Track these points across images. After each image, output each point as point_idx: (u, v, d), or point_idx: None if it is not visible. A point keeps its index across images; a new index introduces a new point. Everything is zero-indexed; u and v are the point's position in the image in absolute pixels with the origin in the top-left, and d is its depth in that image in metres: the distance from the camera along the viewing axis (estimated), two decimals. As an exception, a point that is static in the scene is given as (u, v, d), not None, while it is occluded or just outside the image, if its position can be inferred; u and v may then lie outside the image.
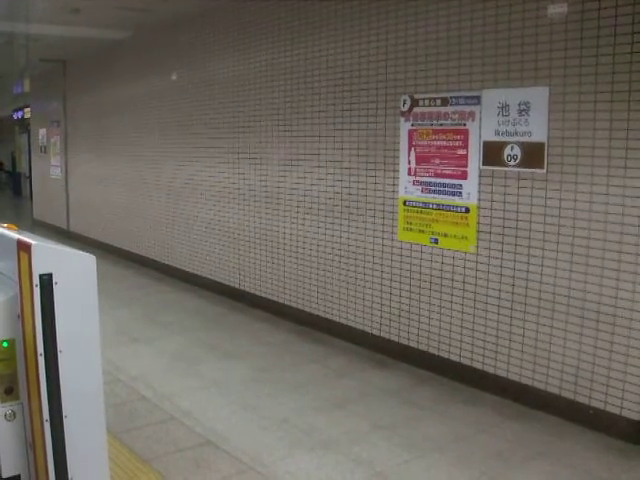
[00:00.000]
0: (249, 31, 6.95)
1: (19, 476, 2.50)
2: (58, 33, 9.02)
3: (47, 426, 2.32)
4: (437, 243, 5.05)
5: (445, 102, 4.89)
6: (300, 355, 5.68)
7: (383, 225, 5.49)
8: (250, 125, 7.03)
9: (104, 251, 10.38)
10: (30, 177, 16.17)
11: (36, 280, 2.26)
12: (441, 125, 4.93)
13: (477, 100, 4.66)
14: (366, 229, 5.66)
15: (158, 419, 4.32)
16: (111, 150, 10.57)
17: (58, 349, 2.31)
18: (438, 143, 4.96)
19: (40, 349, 2.29)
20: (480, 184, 4.70)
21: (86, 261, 2.39)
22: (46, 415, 2.31)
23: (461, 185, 4.82)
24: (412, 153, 5.17)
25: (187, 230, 8.40)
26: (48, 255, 2.31)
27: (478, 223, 4.74)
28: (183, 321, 6.76)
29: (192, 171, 8.17)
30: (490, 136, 4.59)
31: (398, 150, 5.28)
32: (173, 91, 8.49)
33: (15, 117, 19.86)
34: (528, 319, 4.49)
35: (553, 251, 4.30)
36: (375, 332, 5.68)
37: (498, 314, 4.68)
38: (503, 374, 4.67)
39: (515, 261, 4.53)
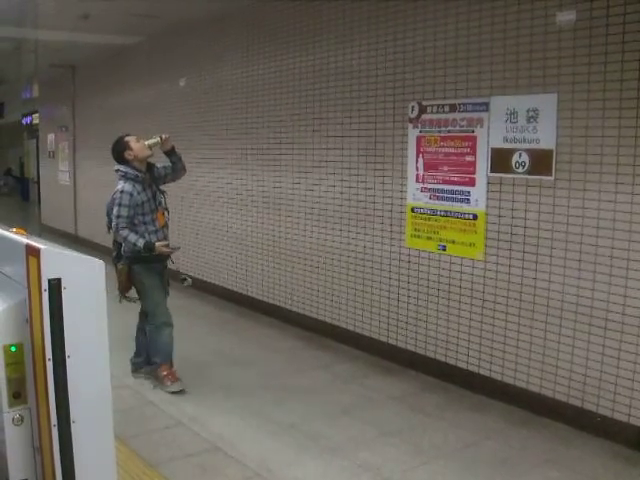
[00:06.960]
0: (258, 36, 6.97)
1: (26, 481, 2.50)
2: (67, 39, 9.08)
3: (55, 431, 2.31)
4: (445, 250, 5.04)
5: (453, 109, 4.88)
6: (307, 361, 5.68)
7: (391, 232, 5.49)
8: (259, 131, 7.04)
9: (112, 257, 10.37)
10: (38, 182, 16.21)
11: (45, 285, 2.26)
12: (449, 132, 4.93)
13: (485, 107, 4.65)
14: (374, 236, 5.66)
15: (165, 424, 4.32)
16: (119, 155, 10.57)
17: (66, 354, 2.31)
18: (446, 150, 4.96)
19: (48, 354, 2.28)
20: (488, 191, 4.69)
21: (95, 266, 2.38)
22: (54, 420, 2.31)
23: (469, 192, 4.81)
24: (420, 160, 5.16)
25: (194, 236, 8.40)
26: (57, 260, 2.31)
27: (486, 230, 4.73)
28: (190, 327, 6.75)
29: (199, 177, 8.18)
30: (498, 143, 4.58)
31: (406, 157, 5.28)
32: (182, 97, 8.51)
33: (24, 122, 19.92)
34: (536, 326, 4.48)
35: (561, 258, 4.29)
36: (382, 339, 5.67)
37: (506, 321, 4.67)
38: (510, 381, 4.66)
39: (523, 268, 4.52)
